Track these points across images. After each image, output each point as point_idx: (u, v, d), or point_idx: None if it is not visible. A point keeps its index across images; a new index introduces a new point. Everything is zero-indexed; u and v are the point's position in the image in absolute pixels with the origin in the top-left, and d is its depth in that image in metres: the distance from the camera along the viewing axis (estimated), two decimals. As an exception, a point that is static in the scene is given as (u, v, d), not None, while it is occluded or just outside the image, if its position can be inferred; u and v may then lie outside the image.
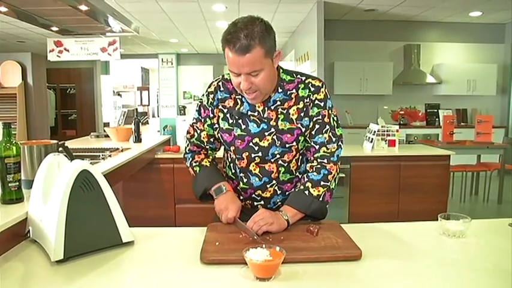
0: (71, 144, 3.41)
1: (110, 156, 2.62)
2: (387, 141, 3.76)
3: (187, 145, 1.60)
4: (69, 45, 5.56)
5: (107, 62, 10.78)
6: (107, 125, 9.84)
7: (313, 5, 5.64)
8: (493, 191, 5.08)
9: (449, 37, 7.18)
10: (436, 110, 6.81)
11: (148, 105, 14.18)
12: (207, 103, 1.48)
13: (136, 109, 3.56)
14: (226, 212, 1.36)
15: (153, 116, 13.31)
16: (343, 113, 6.96)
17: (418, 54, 7.08)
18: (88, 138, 4.05)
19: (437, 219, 1.35)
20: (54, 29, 3.45)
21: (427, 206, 3.59)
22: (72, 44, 5.57)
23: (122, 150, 2.91)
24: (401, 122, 6.80)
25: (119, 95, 12.83)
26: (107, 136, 3.88)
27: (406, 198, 3.69)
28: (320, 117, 1.41)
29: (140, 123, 3.58)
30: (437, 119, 6.73)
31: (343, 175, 3.63)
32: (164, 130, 4.28)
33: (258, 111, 1.41)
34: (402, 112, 6.96)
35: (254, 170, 1.44)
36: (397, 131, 3.78)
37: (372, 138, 3.78)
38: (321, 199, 1.39)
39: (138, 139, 3.53)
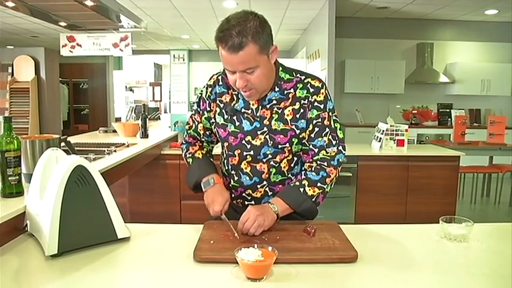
0: (78, 139, 3.45)
1: (115, 151, 2.63)
2: (396, 141, 3.71)
3: (185, 136, 1.61)
4: (81, 40, 5.60)
5: (120, 57, 10.86)
6: (118, 120, 9.93)
7: (325, 1, 5.58)
8: (505, 193, 4.99)
9: (464, 36, 7.04)
10: (448, 110, 6.68)
11: (161, 100, 14.24)
12: (206, 96, 1.47)
13: (144, 104, 3.58)
14: (213, 206, 1.35)
15: (165, 112, 13.35)
16: (354, 111, 6.90)
17: (431, 53, 6.96)
18: (97, 133, 4.09)
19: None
20: (63, 24, 3.48)
21: (435, 207, 3.54)
22: (85, 39, 5.60)
23: (127, 146, 2.92)
24: (413, 122, 6.71)
25: (131, 90, 12.91)
26: (115, 131, 3.91)
27: (414, 199, 3.64)
28: (320, 120, 1.37)
29: (148, 119, 3.59)
30: (449, 119, 6.62)
31: (350, 174, 3.59)
32: (175, 126, 4.30)
33: (251, 108, 1.38)
34: (414, 111, 6.87)
35: (245, 168, 1.42)
36: (406, 130, 3.73)
37: (381, 138, 3.73)
38: (313, 199, 1.36)
39: (145, 134, 3.55)
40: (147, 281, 1.01)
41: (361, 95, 6.95)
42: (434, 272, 1.07)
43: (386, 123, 3.75)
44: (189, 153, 1.57)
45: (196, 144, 1.59)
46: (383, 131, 3.72)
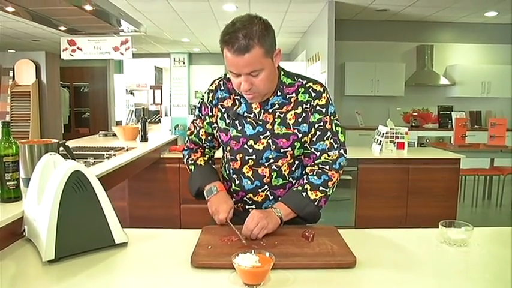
0: (78, 143, 3.44)
1: (114, 155, 2.63)
2: (396, 144, 3.70)
3: (186, 141, 1.61)
4: (82, 44, 5.62)
5: (120, 61, 10.88)
6: (119, 123, 9.95)
7: (325, 4, 5.59)
8: (506, 196, 4.97)
9: (464, 38, 7.04)
10: (449, 112, 6.68)
11: (161, 104, 14.26)
12: (208, 101, 1.48)
13: (144, 108, 3.57)
14: (218, 215, 1.36)
15: (166, 115, 13.37)
16: (354, 114, 6.90)
17: (431, 55, 6.96)
18: (96, 137, 4.09)
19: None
20: (62, 28, 3.49)
21: (435, 210, 3.52)
22: (85, 43, 5.63)
23: (127, 150, 2.92)
24: (413, 124, 6.70)
25: (131, 93, 12.93)
26: (115, 135, 3.91)
27: (415, 202, 3.62)
28: (321, 123, 1.38)
29: (147, 123, 3.59)
30: (450, 122, 6.61)
31: (350, 177, 3.59)
32: (175, 129, 4.30)
33: (254, 113, 1.39)
34: (415, 114, 6.85)
35: (247, 172, 1.42)
36: (407, 133, 3.72)
37: (381, 141, 3.72)
38: (316, 203, 1.37)
39: (144, 138, 3.54)
40: (144, 287, 1.00)
41: (361, 97, 6.94)
42: (433, 277, 1.06)
43: (387, 126, 3.74)
44: (191, 160, 1.57)
45: (198, 150, 1.59)
46: (383, 134, 3.72)
